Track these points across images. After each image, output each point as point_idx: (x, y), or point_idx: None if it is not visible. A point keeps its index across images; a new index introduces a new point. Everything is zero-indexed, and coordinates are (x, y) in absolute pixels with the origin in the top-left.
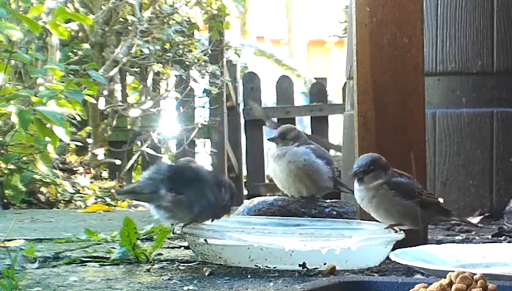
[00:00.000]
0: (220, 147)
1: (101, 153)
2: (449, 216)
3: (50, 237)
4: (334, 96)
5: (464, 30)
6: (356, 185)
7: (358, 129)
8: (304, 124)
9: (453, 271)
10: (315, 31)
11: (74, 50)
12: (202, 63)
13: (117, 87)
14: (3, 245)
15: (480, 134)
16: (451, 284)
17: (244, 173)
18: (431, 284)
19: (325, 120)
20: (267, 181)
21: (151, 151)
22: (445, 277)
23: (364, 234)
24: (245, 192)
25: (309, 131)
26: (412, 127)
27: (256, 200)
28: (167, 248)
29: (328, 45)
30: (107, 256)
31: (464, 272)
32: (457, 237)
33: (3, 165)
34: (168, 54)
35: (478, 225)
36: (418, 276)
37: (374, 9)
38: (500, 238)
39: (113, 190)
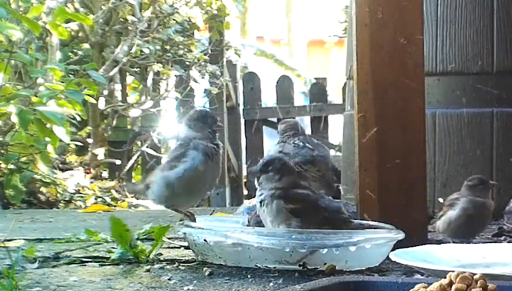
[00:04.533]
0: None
1: (101, 153)
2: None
3: (50, 237)
4: (334, 96)
5: (464, 29)
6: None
7: (358, 129)
8: (304, 124)
9: (453, 271)
10: (315, 31)
11: (74, 50)
12: (202, 63)
13: (118, 87)
14: (3, 245)
15: (480, 134)
16: (451, 284)
17: (244, 173)
18: (431, 284)
19: (325, 120)
20: None
21: (152, 151)
22: (445, 277)
23: (364, 234)
24: (245, 192)
25: (309, 131)
26: (412, 127)
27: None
28: (167, 248)
29: (328, 45)
30: (107, 256)
31: (464, 272)
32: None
33: (3, 165)
34: (168, 54)
35: None
36: (418, 276)
37: (374, 9)
38: (500, 238)
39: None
